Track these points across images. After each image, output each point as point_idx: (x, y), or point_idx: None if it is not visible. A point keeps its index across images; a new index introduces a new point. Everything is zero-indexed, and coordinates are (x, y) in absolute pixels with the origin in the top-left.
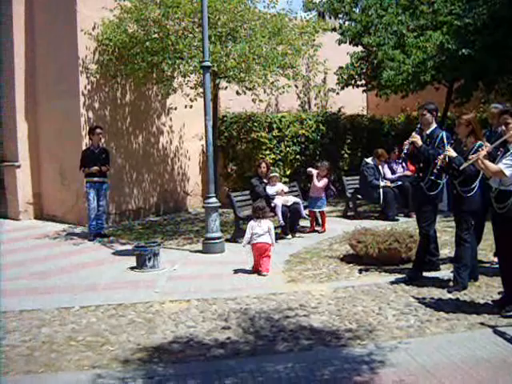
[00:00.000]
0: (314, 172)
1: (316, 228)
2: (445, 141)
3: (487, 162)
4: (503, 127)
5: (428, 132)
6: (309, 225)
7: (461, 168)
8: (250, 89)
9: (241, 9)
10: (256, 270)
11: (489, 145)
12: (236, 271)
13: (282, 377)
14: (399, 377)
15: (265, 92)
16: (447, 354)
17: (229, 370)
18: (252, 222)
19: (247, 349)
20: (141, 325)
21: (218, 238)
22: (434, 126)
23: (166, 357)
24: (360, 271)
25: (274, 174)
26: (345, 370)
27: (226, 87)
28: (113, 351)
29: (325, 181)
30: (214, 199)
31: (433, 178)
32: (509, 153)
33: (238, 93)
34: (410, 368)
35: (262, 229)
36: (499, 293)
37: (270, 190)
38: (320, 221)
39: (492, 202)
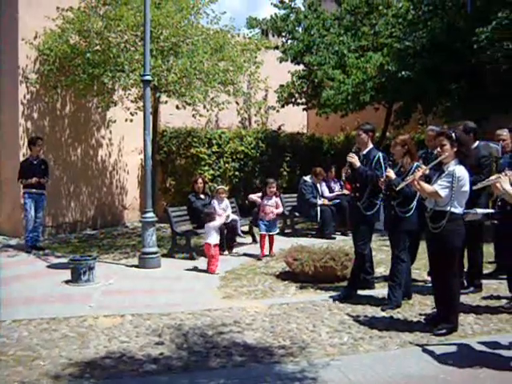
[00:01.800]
0: (255, 197)
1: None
2: (381, 162)
3: (423, 184)
4: (439, 149)
5: (364, 152)
6: (246, 240)
7: (397, 188)
8: (190, 104)
9: (184, 24)
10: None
11: (424, 166)
12: (171, 287)
13: None
14: None
15: (205, 107)
16: (379, 371)
17: None
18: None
19: (180, 364)
20: (73, 339)
21: (155, 252)
22: (371, 146)
23: (97, 372)
24: (295, 288)
25: (222, 187)
26: None
27: (166, 101)
28: (44, 366)
29: (275, 199)
30: (151, 214)
31: (378, 202)
32: (443, 174)
33: (177, 107)
34: None
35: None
36: (432, 310)
37: (218, 206)
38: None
39: (427, 222)
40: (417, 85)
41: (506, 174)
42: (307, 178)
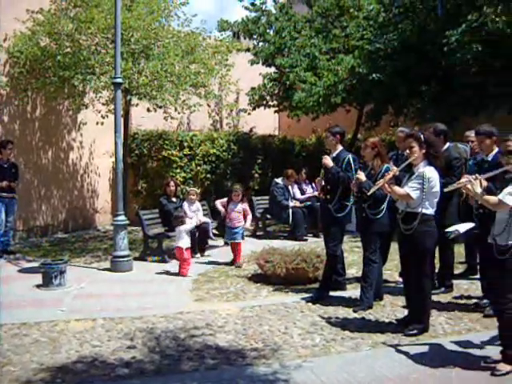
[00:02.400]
0: (219, 206)
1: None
2: (352, 164)
3: (394, 187)
4: (408, 151)
5: (334, 155)
6: (218, 243)
7: (369, 193)
8: (160, 107)
9: (155, 26)
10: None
11: (395, 168)
12: (143, 290)
13: None
14: None
15: (176, 110)
16: (351, 372)
17: None
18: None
19: (152, 368)
20: (45, 344)
21: (126, 256)
22: (340, 148)
23: (69, 377)
24: (267, 290)
25: (193, 189)
26: None
27: (137, 104)
28: (14, 372)
29: (241, 206)
30: (122, 217)
31: (349, 204)
32: (414, 176)
33: (148, 110)
34: None
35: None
36: (403, 311)
37: (188, 209)
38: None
39: (399, 224)
40: (388, 87)
41: (476, 178)
42: (279, 180)
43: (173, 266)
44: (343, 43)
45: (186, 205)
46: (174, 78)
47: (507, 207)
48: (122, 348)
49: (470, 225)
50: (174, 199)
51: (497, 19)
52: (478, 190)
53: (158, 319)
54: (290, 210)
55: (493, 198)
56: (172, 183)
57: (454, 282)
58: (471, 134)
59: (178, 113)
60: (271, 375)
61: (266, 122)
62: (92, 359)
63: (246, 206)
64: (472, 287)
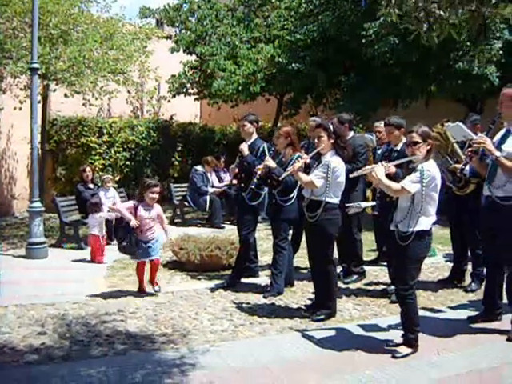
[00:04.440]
0: (123, 210)
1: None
2: (266, 152)
3: (300, 174)
4: (316, 140)
5: (249, 143)
6: None
7: (280, 178)
8: (78, 92)
9: (73, 11)
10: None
11: (306, 156)
12: (58, 277)
13: (93, 381)
14: (208, 378)
15: (93, 96)
16: (257, 356)
17: (41, 376)
18: None
19: (61, 354)
20: None
21: (42, 243)
22: (255, 137)
23: None
24: (181, 277)
25: (107, 176)
26: (156, 373)
27: (55, 90)
28: None
29: (156, 210)
30: (37, 204)
31: (253, 186)
32: (320, 164)
33: (66, 95)
34: (220, 370)
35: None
36: (310, 298)
37: (103, 195)
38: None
39: (304, 211)
40: (307, 77)
41: (382, 164)
42: (199, 168)
43: (89, 253)
44: (265, 33)
45: (101, 192)
46: (93, 64)
47: (408, 194)
48: (32, 334)
49: (371, 203)
50: (90, 186)
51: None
52: (382, 176)
53: (70, 306)
54: (208, 198)
55: (395, 184)
56: (88, 169)
57: (366, 268)
58: (380, 124)
59: (96, 99)
60: (178, 359)
61: (187, 109)
62: (1, 346)
63: (160, 209)
64: (382, 274)
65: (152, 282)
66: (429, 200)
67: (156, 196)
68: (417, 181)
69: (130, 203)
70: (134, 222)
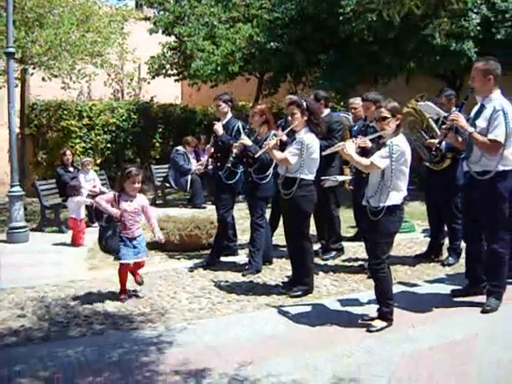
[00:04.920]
0: (104, 203)
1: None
2: (241, 131)
3: (275, 151)
4: (290, 117)
5: (224, 122)
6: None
7: (256, 156)
8: (56, 76)
9: None
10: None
11: (282, 133)
12: (39, 260)
13: (72, 361)
14: (185, 356)
15: (71, 79)
16: (234, 333)
17: (19, 357)
18: None
19: (40, 335)
20: None
21: (23, 227)
22: (230, 116)
23: None
24: (161, 257)
25: (87, 159)
26: (133, 351)
27: (32, 74)
28: None
29: (139, 201)
30: (17, 188)
31: (229, 165)
32: (294, 142)
33: (43, 79)
34: (196, 347)
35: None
36: (288, 276)
37: (83, 178)
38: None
39: (279, 189)
40: (286, 55)
41: (353, 141)
42: (179, 148)
43: (70, 236)
44: (243, 12)
45: (81, 175)
46: (70, 47)
47: (377, 169)
48: (11, 317)
49: (348, 177)
50: (71, 169)
51: None
52: (352, 152)
53: (50, 288)
54: (189, 178)
55: (365, 160)
56: (68, 152)
57: (345, 244)
58: (355, 100)
59: (74, 82)
60: (155, 338)
61: (168, 91)
62: None
63: (144, 201)
64: (360, 250)
65: (136, 278)
66: (399, 175)
67: (138, 186)
68: (386, 156)
69: (111, 194)
70: (116, 212)
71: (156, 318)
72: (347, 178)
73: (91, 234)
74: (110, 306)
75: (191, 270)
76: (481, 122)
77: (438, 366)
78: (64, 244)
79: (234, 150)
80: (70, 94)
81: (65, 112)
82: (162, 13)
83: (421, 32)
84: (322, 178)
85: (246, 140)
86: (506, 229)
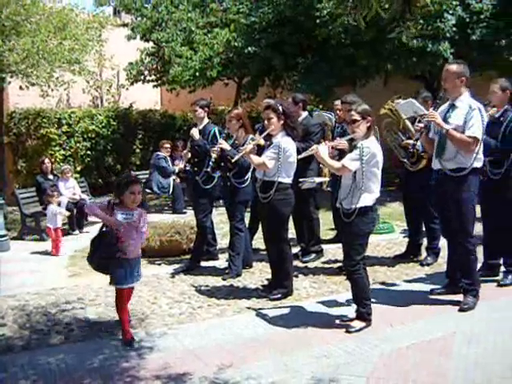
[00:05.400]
0: (98, 211)
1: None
2: (217, 136)
3: (252, 156)
4: (266, 122)
5: (200, 127)
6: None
7: (233, 160)
8: (34, 84)
9: (25, 2)
10: None
11: (259, 137)
12: (19, 269)
13: (53, 368)
14: (165, 360)
15: (49, 87)
16: (214, 337)
17: (0, 366)
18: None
19: (21, 344)
20: None
21: (3, 236)
22: (206, 121)
23: None
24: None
25: (66, 167)
26: (113, 357)
27: (10, 82)
28: None
29: (138, 214)
30: None
31: (208, 169)
32: (271, 146)
33: (21, 88)
34: (176, 352)
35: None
36: (268, 279)
37: (63, 186)
38: None
39: (257, 192)
40: (263, 59)
41: (325, 144)
42: (159, 153)
43: (51, 243)
44: (220, 17)
45: (60, 183)
46: (47, 55)
47: (349, 171)
48: None
49: (326, 178)
50: (50, 177)
51: None
52: (325, 156)
53: (30, 296)
54: (171, 183)
55: (337, 163)
56: (47, 161)
57: (324, 247)
58: (338, 102)
59: (52, 90)
60: (136, 343)
61: (147, 97)
62: None
63: (143, 215)
64: (339, 252)
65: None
66: (370, 176)
67: (139, 197)
68: (356, 158)
69: (105, 202)
70: (113, 221)
71: (136, 323)
72: (325, 179)
73: (72, 242)
74: (91, 313)
75: (172, 275)
76: (455, 120)
77: (416, 364)
78: (44, 252)
79: (213, 155)
80: (49, 102)
81: (44, 120)
82: (139, 19)
83: (388, 36)
84: (300, 180)
85: (224, 144)
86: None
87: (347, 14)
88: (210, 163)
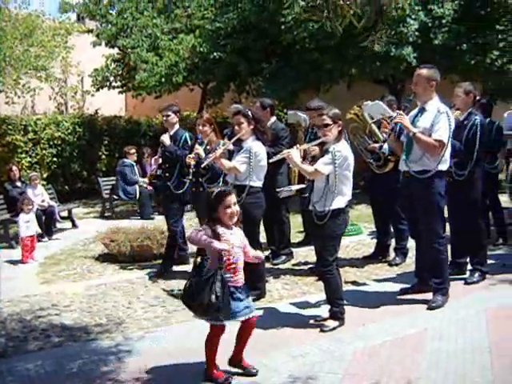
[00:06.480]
0: (202, 236)
1: None
2: (188, 141)
3: (223, 160)
4: (236, 127)
5: (171, 133)
6: (66, 226)
7: (202, 166)
8: (0, 91)
9: None
10: None
11: (228, 142)
12: None
13: (31, 374)
14: (144, 363)
15: (16, 94)
16: (188, 339)
17: None
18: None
19: None
20: None
21: None
22: (178, 126)
23: None
24: (113, 269)
25: (34, 174)
26: (92, 362)
27: None
28: None
29: (238, 232)
30: None
31: (190, 177)
32: (242, 150)
33: None
34: (154, 354)
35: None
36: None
37: (32, 193)
38: None
39: None
40: (229, 65)
41: (297, 148)
42: (125, 160)
43: (20, 251)
44: (186, 23)
45: (29, 190)
46: (14, 62)
47: (321, 175)
48: None
49: (302, 185)
50: (18, 184)
51: None
52: (297, 160)
53: (4, 304)
54: (138, 189)
55: (310, 168)
56: (14, 168)
57: (295, 250)
58: None
59: (19, 97)
60: (114, 347)
61: (113, 103)
62: None
63: (240, 231)
64: (310, 254)
65: (239, 359)
66: (342, 179)
67: (236, 210)
68: (329, 162)
69: (208, 231)
70: (226, 247)
71: (113, 328)
72: (302, 186)
73: (41, 249)
74: (67, 319)
75: (144, 279)
76: (423, 123)
77: (389, 360)
78: (15, 260)
79: (192, 162)
80: (14, 109)
81: (9, 127)
82: (104, 25)
83: (359, 45)
84: (278, 189)
85: (200, 150)
86: (442, 226)
87: (320, 21)
88: (191, 170)
